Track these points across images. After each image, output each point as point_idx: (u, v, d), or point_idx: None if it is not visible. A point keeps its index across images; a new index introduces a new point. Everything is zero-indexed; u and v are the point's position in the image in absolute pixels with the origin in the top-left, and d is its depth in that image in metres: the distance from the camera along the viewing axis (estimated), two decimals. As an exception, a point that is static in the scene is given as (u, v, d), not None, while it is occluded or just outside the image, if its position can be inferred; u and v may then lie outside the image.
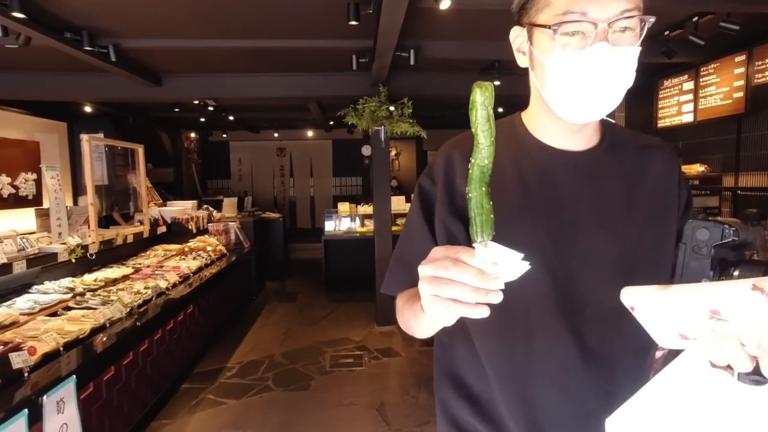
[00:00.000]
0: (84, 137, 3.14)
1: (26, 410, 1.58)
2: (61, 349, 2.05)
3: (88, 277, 3.15)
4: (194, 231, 4.78)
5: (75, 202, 5.35)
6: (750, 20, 3.22)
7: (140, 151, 4.07)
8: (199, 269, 3.92)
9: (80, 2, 2.82)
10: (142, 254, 4.10)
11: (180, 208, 4.94)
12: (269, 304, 5.55)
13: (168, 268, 3.60)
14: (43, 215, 3.01)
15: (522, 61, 0.75)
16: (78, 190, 5.54)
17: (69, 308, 2.60)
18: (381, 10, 2.57)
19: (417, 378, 3.46)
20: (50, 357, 1.97)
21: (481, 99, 0.52)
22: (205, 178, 9.32)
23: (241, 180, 9.51)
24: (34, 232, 2.91)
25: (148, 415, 2.79)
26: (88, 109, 5.84)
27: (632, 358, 0.74)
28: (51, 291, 2.79)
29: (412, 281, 0.66)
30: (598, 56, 0.65)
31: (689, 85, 4.24)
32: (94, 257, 3.09)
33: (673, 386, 0.56)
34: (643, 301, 0.52)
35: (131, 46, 3.55)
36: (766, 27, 3.42)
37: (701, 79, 4.10)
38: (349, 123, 4.35)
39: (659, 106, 4.64)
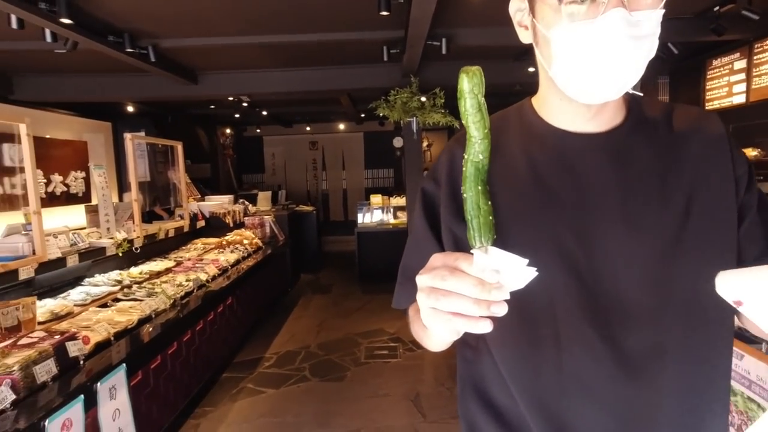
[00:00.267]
0: (127, 136, 3.27)
1: (82, 396, 1.68)
2: (112, 338, 2.16)
3: (134, 270, 3.30)
4: (231, 225, 4.91)
5: (120, 199, 5.61)
6: (813, -9, 2.97)
7: (179, 147, 4.21)
8: (237, 262, 4.03)
9: (121, 6, 2.92)
10: (183, 248, 4.25)
11: (217, 203, 5.08)
12: (304, 295, 5.66)
13: (207, 261, 3.72)
14: (92, 211, 3.17)
15: (524, 37, 0.66)
16: (123, 186, 5.80)
17: (117, 300, 2.73)
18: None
19: (452, 370, 3.45)
20: (102, 346, 2.08)
21: (469, 86, 0.47)
22: (241, 172, 9.55)
23: (275, 174, 9.70)
24: (84, 228, 3.07)
25: (192, 402, 2.91)
26: (130, 108, 6.09)
27: (684, 363, 0.64)
28: (101, 283, 2.94)
29: None
30: (612, 25, 0.55)
31: (741, 64, 3.97)
32: (138, 251, 3.24)
33: None
34: (754, 290, 0.43)
35: (169, 46, 3.66)
36: (831, -2, 3.15)
37: (755, 57, 3.82)
38: (381, 115, 4.33)
39: (707, 87, 4.37)
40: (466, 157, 0.49)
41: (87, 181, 5.18)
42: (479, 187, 0.48)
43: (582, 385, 0.64)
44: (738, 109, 4.05)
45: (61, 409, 1.56)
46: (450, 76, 4.52)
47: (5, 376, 1.55)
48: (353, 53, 4.17)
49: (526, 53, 4.06)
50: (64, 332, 1.94)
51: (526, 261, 0.45)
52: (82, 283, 2.92)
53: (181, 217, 4.20)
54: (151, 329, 2.42)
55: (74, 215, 4.30)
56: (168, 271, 3.43)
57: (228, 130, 8.89)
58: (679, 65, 4.70)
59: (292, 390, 3.25)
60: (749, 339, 1.37)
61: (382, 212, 6.26)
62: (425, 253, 0.68)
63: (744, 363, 1.32)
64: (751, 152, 3.92)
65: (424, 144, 9.20)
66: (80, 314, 2.40)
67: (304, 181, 9.68)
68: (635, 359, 0.63)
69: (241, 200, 5.87)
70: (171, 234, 3.74)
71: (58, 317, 2.33)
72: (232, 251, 4.19)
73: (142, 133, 5.44)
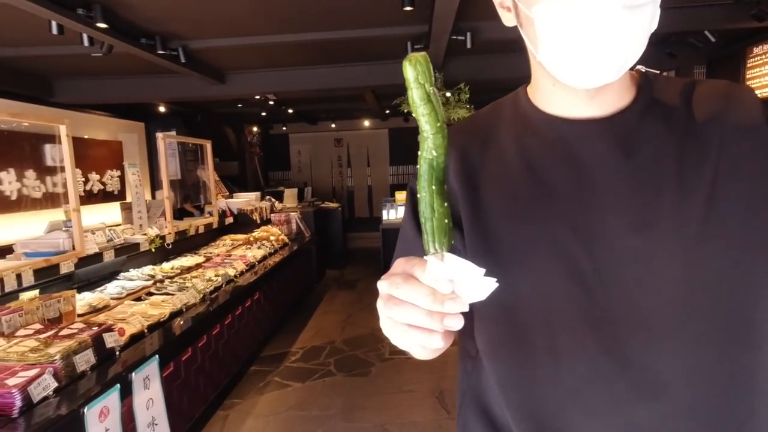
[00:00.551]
0: (159, 135, 3.38)
1: (118, 385, 1.76)
2: (145, 331, 2.25)
3: (166, 265, 3.41)
4: (258, 221, 5.01)
5: (153, 196, 5.81)
6: None
7: (208, 146, 4.32)
8: (264, 258, 4.11)
9: (153, 9, 3.02)
10: (212, 244, 4.37)
11: (245, 200, 5.19)
12: (330, 291, 5.72)
13: (235, 257, 3.81)
14: (127, 209, 3.30)
15: (507, 20, 0.60)
16: (155, 184, 6.01)
17: (151, 294, 2.83)
18: (436, -6, 2.52)
19: (477, 368, 3.42)
20: (136, 338, 2.17)
21: (413, 75, 0.41)
22: (267, 170, 9.72)
23: (301, 171, 9.82)
24: (119, 225, 3.20)
25: (221, 394, 3.00)
26: (162, 109, 6.28)
27: (713, 384, 0.54)
28: (135, 278, 3.06)
29: None
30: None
31: (786, 52, 3.76)
32: (170, 247, 3.34)
33: None
34: None
35: (197, 47, 3.75)
36: None
37: (801, 44, 3.62)
38: (405, 111, 4.32)
39: (747, 76, 4.16)
40: (419, 153, 0.44)
41: (122, 179, 5.38)
42: (433, 187, 0.43)
43: (584, 405, 0.56)
44: (782, 99, 3.85)
45: (99, 398, 1.64)
46: (475, 71, 4.46)
47: (48, 365, 1.64)
48: (378, 50, 4.17)
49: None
50: (102, 324, 2.02)
51: (483, 270, 0.41)
52: (118, 278, 3.05)
53: (210, 214, 4.31)
54: (182, 322, 2.50)
55: (110, 212, 4.49)
56: (198, 266, 3.54)
57: (255, 128, 9.05)
58: (716, 54, 4.49)
59: (318, 384, 3.30)
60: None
61: (407, 209, 6.23)
62: (413, 256, 0.62)
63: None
64: (796, 144, 3.71)
65: (449, 140, 9.12)
66: (116, 307, 2.51)
67: (330, 178, 9.76)
68: (650, 379, 0.53)
69: (268, 197, 5.98)
70: (201, 230, 3.85)
71: (95, 310, 2.44)
72: (259, 247, 4.28)
73: (173, 133, 5.61)
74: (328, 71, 4.75)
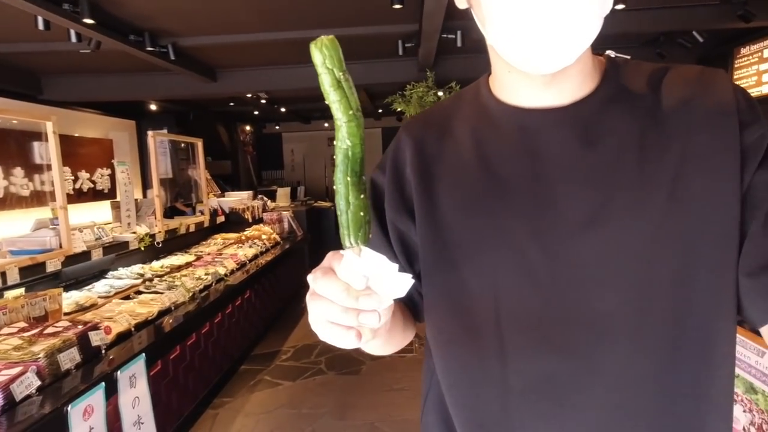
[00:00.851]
0: (149, 133, 3.36)
1: (103, 383, 1.74)
2: (133, 329, 2.23)
3: (156, 264, 3.39)
4: (250, 220, 4.99)
5: (144, 195, 5.77)
6: None
7: (199, 144, 4.29)
8: (255, 257, 4.09)
9: (140, 5, 2.99)
10: (203, 242, 4.35)
11: (237, 199, 5.17)
12: (322, 290, 5.71)
13: (226, 256, 3.79)
14: (117, 207, 3.27)
15: (460, 2, 0.57)
16: (146, 183, 5.96)
17: (139, 292, 2.81)
18: (425, -8, 2.52)
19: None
20: (123, 336, 2.15)
21: (320, 59, 0.39)
22: (260, 169, 9.69)
23: (294, 170, 9.80)
24: (109, 223, 3.18)
25: (211, 392, 2.98)
26: (153, 107, 6.24)
27: (669, 391, 0.51)
28: (124, 276, 3.03)
29: None
30: None
31: (773, 52, 3.80)
32: (160, 245, 3.32)
33: None
34: None
35: (188, 44, 3.73)
36: None
37: (788, 44, 3.66)
38: (397, 110, 4.32)
39: (735, 76, 4.21)
40: (334, 143, 0.42)
41: (112, 177, 5.34)
42: (349, 179, 0.41)
43: (531, 409, 0.53)
44: (769, 98, 3.89)
45: (83, 396, 1.62)
46: (467, 70, 4.47)
47: (31, 363, 1.62)
48: (369, 48, 4.17)
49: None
50: (88, 322, 2.01)
51: (397, 266, 0.40)
52: (106, 276, 3.02)
53: (202, 213, 4.29)
54: (170, 321, 2.49)
55: (101, 211, 4.45)
56: (188, 265, 3.52)
57: (248, 127, 9.02)
58: (705, 54, 4.53)
59: (309, 383, 3.29)
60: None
61: (400, 208, 6.24)
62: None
63: (765, 360, 1.27)
64: (783, 144, 3.76)
65: (443, 139, 9.15)
66: (104, 306, 2.49)
67: (323, 178, 9.75)
68: (601, 384, 0.51)
69: (260, 196, 5.96)
70: (192, 229, 3.83)
71: (82, 308, 2.42)
72: (250, 246, 4.26)
73: (165, 131, 5.57)
74: (320, 70, 4.74)
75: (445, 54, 4.13)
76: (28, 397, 1.55)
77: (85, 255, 2.56)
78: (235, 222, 4.80)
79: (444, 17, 3.00)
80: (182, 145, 5.49)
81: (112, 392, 1.80)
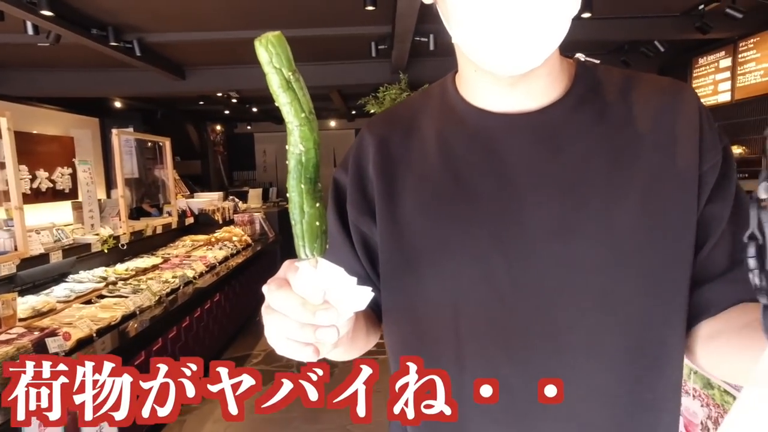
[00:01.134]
0: (114, 131, 3.24)
1: (62, 392, 1.66)
2: (95, 335, 2.14)
3: (120, 267, 3.27)
4: (220, 222, 4.89)
5: (108, 195, 5.56)
6: (796, -11, 3.01)
7: (167, 144, 4.17)
8: (225, 259, 4.00)
9: (105, -1, 2.89)
10: (171, 245, 4.22)
11: (207, 200, 5.06)
12: (295, 292, 5.64)
13: (195, 258, 3.69)
14: (79, 208, 3.14)
15: None
16: (111, 183, 5.75)
17: (102, 296, 2.70)
18: (398, -6, 2.53)
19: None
20: (84, 343, 2.06)
21: (267, 57, 0.37)
22: (232, 170, 9.51)
23: (266, 171, 9.66)
24: (70, 224, 3.04)
25: (178, 399, 2.89)
26: (118, 104, 6.03)
27: (610, 404, 0.51)
28: (86, 280, 2.91)
29: None
30: None
31: (726, 62, 4.02)
32: (125, 247, 3.21)
33: None
34: None
35: (155, 40, 3.63)
36: (814, -4, 3.19)
37: (740, 56, 3.87)
38: (370, 111, 4.32)
39: (693, 85, 4.42)
40: (287, 148, 0.39)
41: (74, 177, 5.12)
42: (303, 186, 0.38)
43: (488, 418, 0.52)
44: (724, 107, 4.10)
45: (40, 406, 1.54)
46: (439, 73, 4.50)
47: (-18, 373, 1.53)
48: (342, 49, 4.16)
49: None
50: (45, 328, 1.92)
51: (356, 279, 0.38)
52: (66, 280, 2.89)
53: (170, 214, 4.17)
54: (135, 326, 2.40)
55: (61, 212, 4.25)
56: (155, 267, 3.41)
57: (218, 127, 8.84)
58: (666, 63, 4.74)
59: (280, 386, 3.24)
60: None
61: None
62: (339, 257, 0.56)
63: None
64: (735, 150, 3.97)
65: (416, 141, 9.22)
66: (63, 311, 2.38)
67: (296, 179, 9.66)
68: (567, 399, 0.50)
69: (231, 197, 5.84)
70: (159, 231, 3.71)
71: (40, 314, 2.31)
72: (220, 248, 4.16)
73: (130, 129, 5.39)
74: (293, 69, 4.70)
75: (418, 56, 4.17)
76: (-22, 408, 1.47)
77: (43, 258, 2.44)
78: (204, 223, 4.69)
79: (417, 20, 3.03)
80: (149, 144, 5.32)
81: (71, 401, 1.72)
